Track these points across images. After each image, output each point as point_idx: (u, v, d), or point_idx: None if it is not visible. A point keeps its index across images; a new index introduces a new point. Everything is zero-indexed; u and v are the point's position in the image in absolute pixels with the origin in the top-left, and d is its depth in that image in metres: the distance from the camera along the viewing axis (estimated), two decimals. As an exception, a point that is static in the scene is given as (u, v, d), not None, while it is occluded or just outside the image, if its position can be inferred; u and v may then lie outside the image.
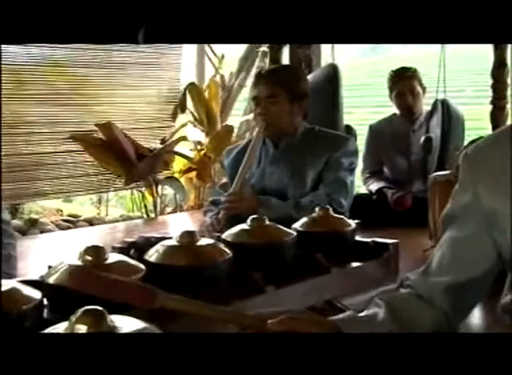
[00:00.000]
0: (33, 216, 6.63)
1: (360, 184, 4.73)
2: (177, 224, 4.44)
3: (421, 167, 4.34)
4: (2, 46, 5.33)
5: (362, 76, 10.92)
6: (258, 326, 1.30)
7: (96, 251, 1.67)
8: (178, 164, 6.31)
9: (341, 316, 1.41)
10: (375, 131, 4.67)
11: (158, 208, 6.25)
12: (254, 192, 3.06)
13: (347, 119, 5.83)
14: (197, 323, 1.44)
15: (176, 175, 6.30)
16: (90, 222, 6.60)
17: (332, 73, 4.34)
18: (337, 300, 1.94)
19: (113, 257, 1.71)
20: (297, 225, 2.24)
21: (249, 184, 3.11)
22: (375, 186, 4.42)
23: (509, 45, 3.80)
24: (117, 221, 6.31)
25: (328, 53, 4.67)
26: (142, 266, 1.73)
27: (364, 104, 9.32)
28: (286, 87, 3.05)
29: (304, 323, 1.30)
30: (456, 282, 1.41)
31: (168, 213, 6.36)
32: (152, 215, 6.05)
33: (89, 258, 1.65)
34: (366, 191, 4.53)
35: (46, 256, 2.88)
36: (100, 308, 1.17)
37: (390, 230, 3.01)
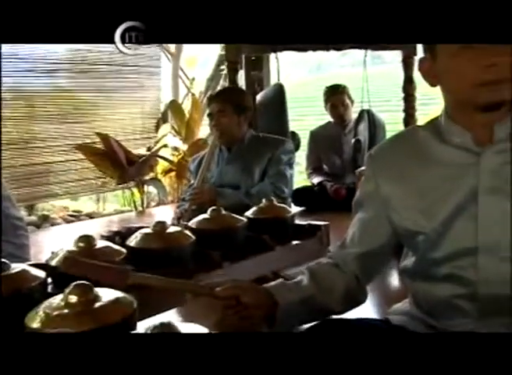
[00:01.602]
0: (45, 212, 6.62)
1: (305, 177, 4.83)
2: (160, 216, 4.47)
3: (352, 163, 4.42)
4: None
5: (310, 90, 10.90)
6: (209, 293, 1.38)
7: (87, 239, 1.70)
8: (160, 167, 6.38)
9: (273, 283, 1.48)
10: (315, 135, 4.77)
11: (145, 203, 6.31)
12: (213, 186, 3.16)
13: (298, 125, 5.84)
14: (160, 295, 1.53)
15: (159, 175, 6.38)
16: (90, 216, 6.59)
17: (279, 90, 4.42)
18: (281, 271, 2.03)
19: (101, 243, 1.75)
20: (248, 213, 2.28)
21: (210, 181, 3.21)
22: (316, 179, 4.52)
23: (415, 64, 3.88)
24: (111, 214, 6.32)
25: (276, 74, 4.72)
26: (124, 250, 1.77)
27: (312, 113, 9.37)
28: (232, 103, 3.16)
29: (243, 290, 1.38)
30: (364, 252, 1.49)
31: (153, 207, 6.40)
32: (140, 209, 6.10)
33: (81, 244, 1.69)
34: (309, 184, 4.63)
35: (55, 244, 2.92)
36: (87, 282, 1.24)
37: (328, 215, 3.07)
